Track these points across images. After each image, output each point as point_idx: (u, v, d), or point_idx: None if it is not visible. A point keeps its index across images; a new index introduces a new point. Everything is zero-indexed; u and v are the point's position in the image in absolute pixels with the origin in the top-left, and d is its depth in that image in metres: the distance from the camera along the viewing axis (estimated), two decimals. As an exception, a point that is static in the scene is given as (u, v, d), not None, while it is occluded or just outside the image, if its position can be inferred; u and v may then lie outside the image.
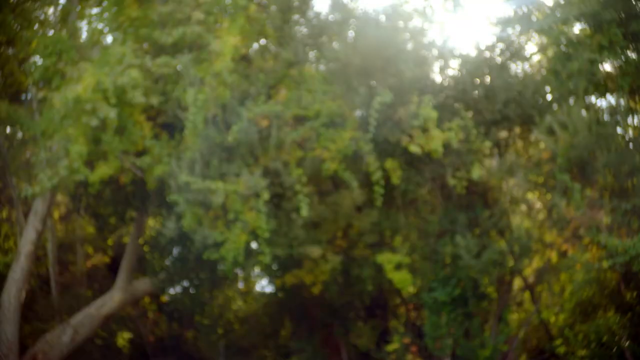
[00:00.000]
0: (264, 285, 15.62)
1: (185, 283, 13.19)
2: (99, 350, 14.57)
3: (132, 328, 15.60)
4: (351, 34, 11.54)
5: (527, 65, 11.74)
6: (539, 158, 11.16)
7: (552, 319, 11.49)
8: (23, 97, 12.15)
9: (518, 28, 11.12)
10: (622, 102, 9.81)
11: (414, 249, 11.65)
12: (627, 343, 9.60)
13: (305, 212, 9.85)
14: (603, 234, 9.21)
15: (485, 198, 11.59)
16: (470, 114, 10.94)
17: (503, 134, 11.73)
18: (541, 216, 11.91)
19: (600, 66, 9.75)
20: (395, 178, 10.67)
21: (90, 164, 9.98)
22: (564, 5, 10.15)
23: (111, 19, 9.92)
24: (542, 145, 11.19)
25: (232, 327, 16.23)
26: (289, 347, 12.91)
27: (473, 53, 11.42)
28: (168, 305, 15.33)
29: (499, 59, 11.32)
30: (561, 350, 10.59)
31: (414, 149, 10.34)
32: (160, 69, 9.82)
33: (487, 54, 11.30)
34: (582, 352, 10.05)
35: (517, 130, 11.77)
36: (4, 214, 13.01)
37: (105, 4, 10.04)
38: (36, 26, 10.96)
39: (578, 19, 9.77)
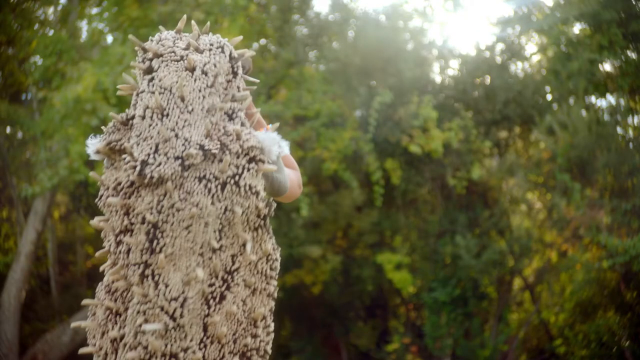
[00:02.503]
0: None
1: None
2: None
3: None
4: (351, 34, 11.54)
5: (527, 65, 11.76)
6: (539, 158, 11.16)
7: (552, 319, 11.49)
8: (23, 97, 12.13)
9: (518, 28, 11.12)
10: (622, 102, 9.80)
11: (414, 249, 11.66)
12: (627, 343, 9.59)
13: (305, 212, 9.85)
14: (603, 234, 9.20)
15: (485, 198, 11.59)
16: (470, 114, 10.95)
17: (503, 134, 11.74)
18: (541, 216, 11.91)
19: (600, 66, 9.75)
20: (395, 178, 10.67)
21: (90, 164, 9.98)
22: (564, 5, 10.15)
23: (111, 19, 9.92)
24: (542, 145, 11.19)
25: (232, 327, 16.21)
26: (289, 347, 12.90)
27: (473, 53, 11.44)
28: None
29: (499, 59, 11.33)
30: (561, 350, 10.58)
31: (414, 149, 10.35)
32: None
33: (487, 54, 11.31)
34: (582, 352, 10.04)
35: (517, 130, 11.78)
36: (4, 214, 13.00)
37: (105, 4, 10.04)
38: (36, 26, 10.94)
39: (578, 19, 9.77)
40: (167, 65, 2.36)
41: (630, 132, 10.08)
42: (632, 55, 9.67)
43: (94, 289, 2.50)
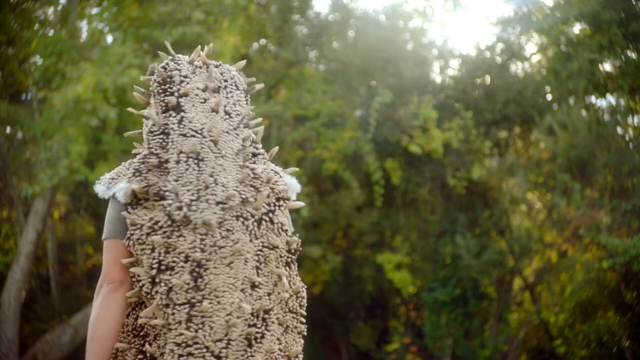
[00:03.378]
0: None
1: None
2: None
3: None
4: (351, 34, 11.55)
5: (527, 65, 11.75)
6: (539, 158, 11.15)
7: (552, 319, 11.48)
8: (23, 97, 12.12)
9: (518, 28, 11.12)
10: (622, 102, 9.80)
11: (414, 249, 11.65)
12: (627, 343, 9.59)
13: (305, 212, 9.85)
14: (603, 234, 9.20)
15: (485, 198, 11.59)
16: (470, 114, 10.95)
17: (503, 134, 11.74)
18: (541, 216, 11.90)
19: (600, 66, 9.75)
20: (395, 178, 10.67)
21: (90, 164, 9.98)
22: (564, 5, 10.15)
23: (111, 19, 9.91)
24: (542, 145, 11.19)
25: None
26: (289, 347, 12.90)
27: (473, 53, 11.44)
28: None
29: (499, 59, 11.33)
30: (561, 350, 10.58)
31: (414, 149, 10.35)
32: (160, 69, 9.77)
33: (487, 54, 11.31)
34: (582, 352, 10.04)
35: (517, 130, 11.77)
36: (4, 214, 12.99)
37: (105, 4, 10.03)
38: (36, 26, 10.92)
39: (578, 19, 9.77)
40: (193, 105, 2.40)
41: (630, 132, 10.08)
42: (632, 55, 9.67)
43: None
